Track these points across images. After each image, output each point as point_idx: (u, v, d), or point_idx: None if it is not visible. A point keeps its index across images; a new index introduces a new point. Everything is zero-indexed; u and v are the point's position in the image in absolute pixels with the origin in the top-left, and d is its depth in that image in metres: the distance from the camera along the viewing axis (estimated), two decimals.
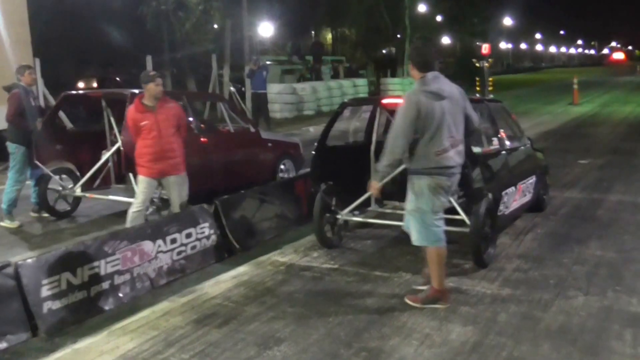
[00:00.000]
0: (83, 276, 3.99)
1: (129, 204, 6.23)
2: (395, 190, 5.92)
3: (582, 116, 18.56)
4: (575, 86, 22.55)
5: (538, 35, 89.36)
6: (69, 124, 7.80)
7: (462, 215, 5.11)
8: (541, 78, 48.96)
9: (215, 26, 17.85)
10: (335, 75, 23.60)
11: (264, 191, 5.92)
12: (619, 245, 5.69)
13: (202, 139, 7.06)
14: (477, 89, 19.66)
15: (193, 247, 4.88)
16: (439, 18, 38.83)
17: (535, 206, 6.81)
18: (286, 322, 3.93)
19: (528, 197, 6.44)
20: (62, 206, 6.82)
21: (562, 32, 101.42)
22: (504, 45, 70.44)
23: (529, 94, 29.71)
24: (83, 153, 7.06)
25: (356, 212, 5.68)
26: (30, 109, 6.34)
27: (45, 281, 3.79)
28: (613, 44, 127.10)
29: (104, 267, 4.13)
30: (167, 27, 15.64)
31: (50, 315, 3.75)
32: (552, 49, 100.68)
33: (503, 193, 5.62)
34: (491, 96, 18.14)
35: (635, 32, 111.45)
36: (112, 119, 6.74)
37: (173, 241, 4.72)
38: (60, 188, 6.71)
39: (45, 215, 6.76)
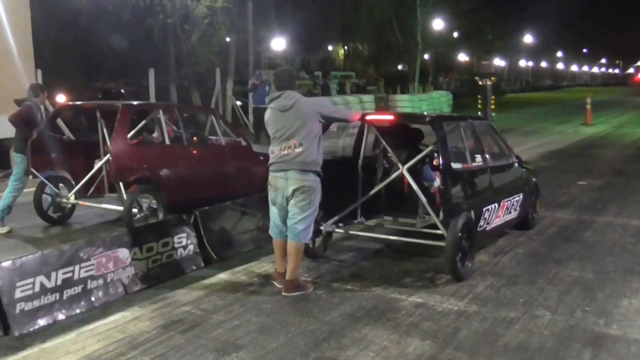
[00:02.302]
0: (57, 280, 4.26)
1: (120, 211, 6.62)
2: (381, 204, 6.21)
3: (593, 137, 18.58)
4: (589, 106, 22.58)
5: (560, 54, 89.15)
6: (68, 134, 8.17)
7: (442, 229, 5.32)
8: (559, 97, 48.86)
9: (228, 39, 18.30)
10: (342, 91, 23.94)
11: (245, 203, 6.17)
12: (599, 266, 5.80)
13: (193, 151, 7.40)
14: (479, 107, 19.81)
15: (169, 256, 5.14)
16: (455, 34, 39.15)
17: (523, 224, 6.97)
18: (248, 330, 4.14)
19: (513, 215, 6.59)
20: (56, 213, 7.20)
21: (585, 50, 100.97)
22: (523, 63, 70.42)
23: (542, 112, 29.75)
24: (78, 162, 7.42)
25: (340, 225, 5.93)
26: (37, 121, 6.92)
27: (19, 283, 4.06)
28: (639, 63, 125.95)
29: (77, 271, 4.40)
30: (173, 39, 16.11)
31: (23, 316, 4.01)
32: (574, 68, 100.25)
33: (484, 209, 5.79)
34: (493, 114, 18.30)
35: None
36: (105, 130, 7.08)
37: (149, 249, 4.98)
38: (56, 195, 7.09)
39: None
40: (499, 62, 56.25)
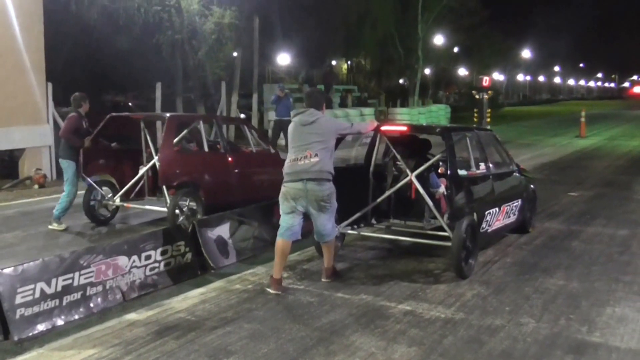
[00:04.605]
0: (57, 286, 4.28)
1: (162, 212, 7.13)
2: (390, 208, 6.45)
3: (586, 149, 18.53)
4: (583, 119, 22.56)
5: (557, 68, 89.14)
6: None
7: (448, 231, 5.54)
8: (555, 110, 48.80)
9: (235, 54, 18.43)
10: (343, 104, 24.01)
11: (243, 213, 6.18)
12: (584, 275, 5.78)
13: (228, 158, 7.71)
14: (475, 120, 19.86)
15: (167, 264, 5.15)
16: (455, 49, 39.27)
17: (521, 228, 7.22)
18: (240, 337, 4.14)
19: (512, 219, 6.85)
20: (102, 214, 7.69)
21: (581, 65, 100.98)
22: (521, 77, 70.48)
23: (538, 125, 29.69)
24: (123, 167, 7.85)
25: (355, 226, 6.20)
26: (83, 130, 7.26)
27: (20, 289, 4.08)
28: (635, 77, 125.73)
29: (77, 278, 4.41)
30: (181, 54, 16.25)
31: (22, 321, 4.02)
32: (571, 82, 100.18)
33: (486, 213, 6.03)
34: (488, 127, 18.28)
35: None
36: (149, 138, 7.53)
37: (148, 257, 5.00)
38: (103, 198, 7.52)
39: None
40: (497, 76, 56.31)
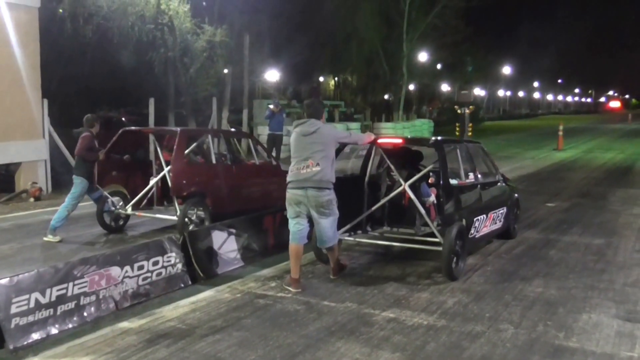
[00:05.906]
0: (51, 296, 4.27)
1: (171, 221, 7.34)
2: (384, 216, 6.62)
3: (563, 161, 18.75)
4: (560, 133, 22.86)
5: (536, 84, 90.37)
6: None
7: (438, 237, 5.72)
8: (534, 124, 49.34)
9: (226, 71, 18.50)
10: (330, 119, 24.18)
11: (232, 224, 6.21)
12: (561, 283, 5.85)
13: (233, 170, 7.94)
14: (457, 134, 20.07)
15: (159, 274, 5.15)
16: (438, 66, 39.74)
17: (506, 234, 7.44)
18: (229, 344, 4.16)
19: (498, 225, 7.05)
20: (114, 223, 7.79)
21: (559, 80, 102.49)
22: (501, 92, 71.36)
23: (517, 139, 29.97)
24: (132, 178, 8.00)
25: (352, 233, 6.34)
26: (95, 148, 7.44)
27: (15, 299, 4.07)
28: (610, 92, 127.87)
29: (71, 288, 4.41)
30: (173, 71, 16.31)
31: (17, 330, 4.01)
32: (550, 97, 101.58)
33: (474, 219, 6.20)
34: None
35: (632, 81, 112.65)
36: (160, 151, 7.68)
37: (140, 267, 5.00)
38: (115, 207, 7.64)
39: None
40: (479, 91, 57.00)
